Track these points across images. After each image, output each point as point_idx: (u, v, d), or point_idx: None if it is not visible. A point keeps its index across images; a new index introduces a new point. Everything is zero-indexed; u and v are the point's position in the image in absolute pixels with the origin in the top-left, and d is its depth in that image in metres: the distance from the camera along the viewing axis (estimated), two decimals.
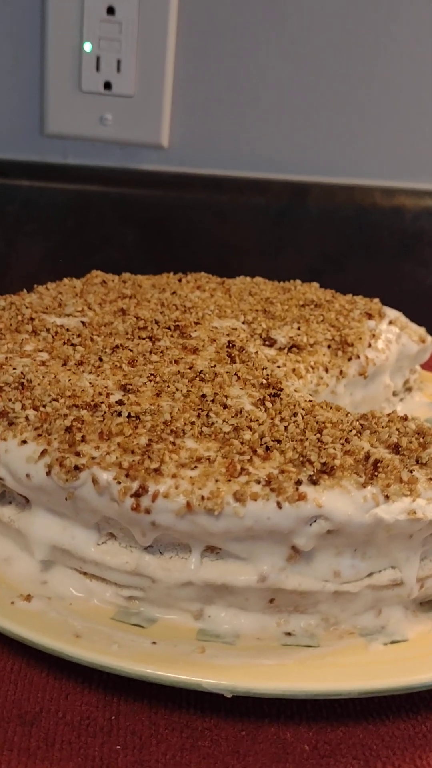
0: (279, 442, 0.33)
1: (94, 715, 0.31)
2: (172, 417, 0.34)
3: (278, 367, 0.43)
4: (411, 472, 0.32)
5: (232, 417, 0.35)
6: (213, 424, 0.34)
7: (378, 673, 0.31)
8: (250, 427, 0.34)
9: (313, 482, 0.31)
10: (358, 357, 0.47)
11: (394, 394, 0.54)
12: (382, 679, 0.31)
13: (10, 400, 0.35)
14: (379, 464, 0.32)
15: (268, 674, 0.30)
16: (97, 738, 0.30)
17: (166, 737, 0.30)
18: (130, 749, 0.29)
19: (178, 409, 0.35)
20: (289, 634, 0.33)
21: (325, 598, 0.32)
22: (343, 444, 0.33)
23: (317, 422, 0.35)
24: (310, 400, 0.39)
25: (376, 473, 0.32)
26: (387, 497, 0.31)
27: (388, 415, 0.37)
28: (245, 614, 0.33)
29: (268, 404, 0.37)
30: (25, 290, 0.49)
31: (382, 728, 0.32)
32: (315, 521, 0.30)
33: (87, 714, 0.31)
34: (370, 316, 0.51)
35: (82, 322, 0.44)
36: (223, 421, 0.34)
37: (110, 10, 0.65)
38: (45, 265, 0.69)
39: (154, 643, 0.31)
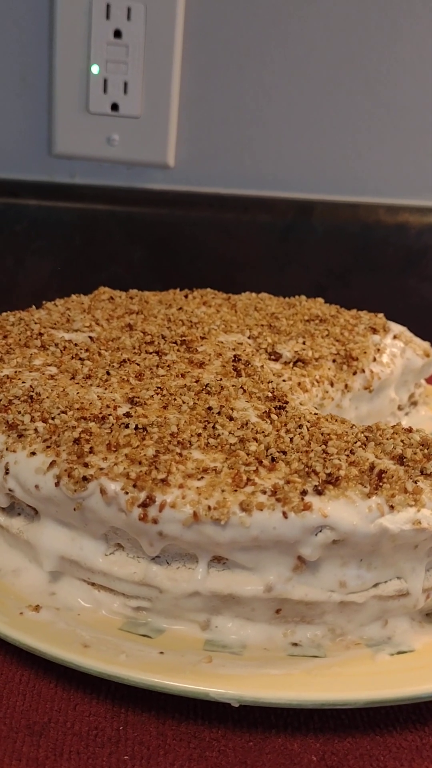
0: (284, 453, 0.34)
1: (102, 725, 0.31)
2: (178, 429, 0.34)
3: (283, 380, 0.43)
4: (416, 482, 0.33)
5: (238, 429, 0.35)
6: (219, 435, 0.34)
7: (385, 683, 0.31)
8: (255, 439, 0.34)
9: (319, 492, 0.31)
10: (363, 371, 0.47)
11: (399, 408, 0.54)
12: (389, 689, 0.31)
13: (19, 412, 0.35)
14: (383, 475, 0.33)
15: (275, 684, 0.30)
16: (105, 748, 0.30)
17: (174, 748, 0.30)
18: (138, 760, 0.30)
19: (185, 421, 0.35)
20: (295, 644, 0.33)
21: (332, 608, 0.33)
22: (348, 455, 0.34)
23: (322, 434, 0.35)
24: (316, 413, 0.39)
25: (380, 484, 0.32)
26: (392, 507, 0.32)
27: (393, 427, 0.38)
28: (252, 625, 0.33)
29: (274, 416, 0.37)
30: (33, 306, 0.50)
31: (389, 739, 0.32)
32: (320, 531, 0.31)
33: (95, 724, 0.31)
34: (374, 331, 0.51)
35: (90, 337, 0.45)
36: (229, 432, 0.35)
37: (117, 33, 0.67)
38: (53, 282, 0.70)
39: (161, 653, 0.31)
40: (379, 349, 0.50)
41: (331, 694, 0.30)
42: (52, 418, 0.35)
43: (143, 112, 0.69)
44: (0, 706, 0.31)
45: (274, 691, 0.30)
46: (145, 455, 0.32)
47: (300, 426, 0.36)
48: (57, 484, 0.32)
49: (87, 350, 0.43)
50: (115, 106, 0.68)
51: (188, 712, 0.32)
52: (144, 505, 0.30)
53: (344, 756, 0.31)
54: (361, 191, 0.74)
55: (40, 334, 0.44)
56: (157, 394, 0.38)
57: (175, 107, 0.69)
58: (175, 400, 0.37)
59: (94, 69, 0.67)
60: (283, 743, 0.31)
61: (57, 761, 0.29)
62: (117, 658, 0.30)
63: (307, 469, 0.32)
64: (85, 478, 0.31)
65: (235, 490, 0.31)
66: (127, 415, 0.35)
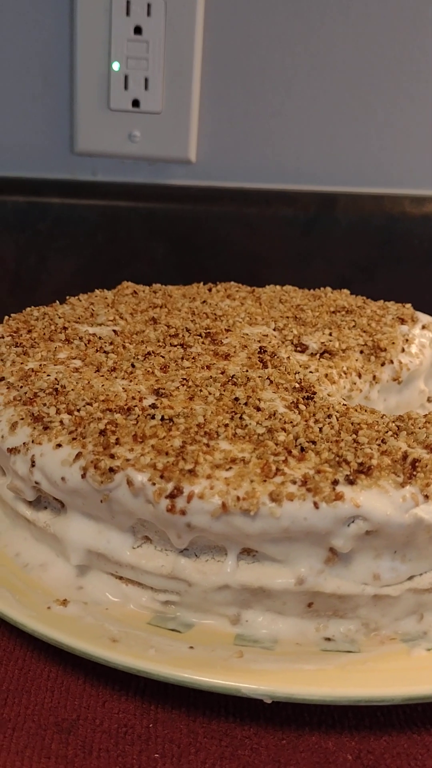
0: (314, 443, 0.33)
1: (131, 722, 0.30)
2: (205, 419, 0.34)
3: (310, 372, 0.42)
4: None
5: (266, 419, 0.34)
6: (246, 426, 0.34)
7: (422, 679, 0.30)
8: (284, 429, 0.33)
9: (350, 482, 0.30)
10: (392, 362, 0.46)
11: (429, 400, 0.53)
12: (427, 685, 0.30)
13: (44, 404, 0.35)
14: (417, 464, 0.32)
15: (309, 679, 0.29)
16: (135, 746, 0.29)
17: (205, 745, 0.30)
18: (168, 758, 0.29)
19: (212, 412, 0.34)
20: (328, 639, 0.32)
21: (365, 602, 0.32)
22: (379, 444, 0.33)
23: (352, 424, 0.35)
24: (344, 404, 0.38)
25: (414, 473, 0.31)
26: (427, 497, 0.31)
27: (425, 416, 0.37)
28: (283, 619, 0.32)
29: (302, 407, 0.36)
30: (57, 302, 0.50)
31: (427, 737, 0.31)
32: (353, 522, 0.30)
33: (124, 721, 0.30)
34: (402, 321, 0.50)
35: (114, 331, 0.45)
36: (257, 423, 0.34)
37: (137, 30, 0.66)
38: (76, 280, 0.70)
39: (191, 647, 0.31)
40: (407, 340, 0.49)
41: (367, 691, 0.29)
42: (78, 410, 0.34)
43: (164, 107, 0.68)
44: (28, 703, 0.31)
45: (307, 687, 0.29)
46: (171, 446, 0.32)
47: (329, 416, 0.35)
48: (83, 476, 0.31)
49: (111, 343, 0.42)
50: (136, 103, 0.68)
51: (219, 709, 0.31)
52: (171, 496, 0.30)
53: (381, 755, 0.30)
54: (385, 182, 0.72)
55: (65, 328, 0.44)
56: (183, 385, 0.37)
57: (196, 102, 0.69)
58: (201, 391, 0.37)
59: (115, 66, 0.67)
60: (317, 741, 0.30)
61: (86, 759, 0.29)
62: (146, 653, 0.30)
63: (338, 459, 0.32)
64: (111, 470, 0.31)
65: (265, 481, 0.30)
66: (153, 406, 0.35)
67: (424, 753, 0.30)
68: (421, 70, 0.70)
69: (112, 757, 0.29)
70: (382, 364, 0.46)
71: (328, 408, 0.36)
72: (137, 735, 0.30)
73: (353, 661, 0.31)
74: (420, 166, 0.72)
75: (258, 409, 0.35)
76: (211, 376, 0.39)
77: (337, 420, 0.35)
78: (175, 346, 0.43)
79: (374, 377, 0.45)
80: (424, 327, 0.51)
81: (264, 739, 0.30)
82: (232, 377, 0.39)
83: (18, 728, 0.30)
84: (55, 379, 0.37)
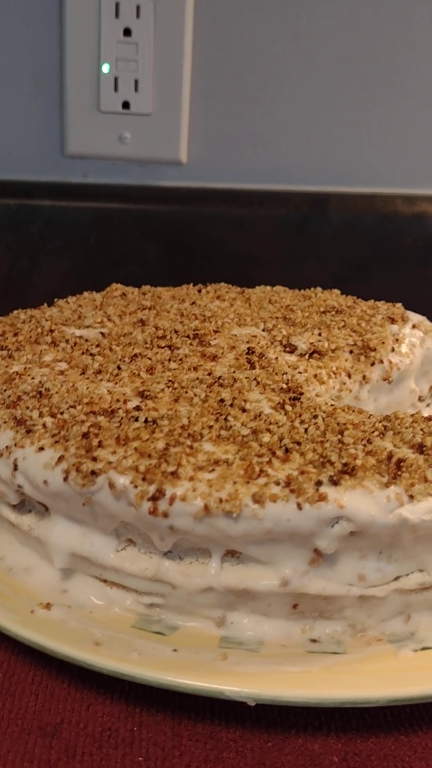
0: (299, 444, 0.33)
1: (115, 726, 0.30)
2: (189, 421, 0.33)
3: (299, 372, 0.42)
4: None
5: (251, 420, 0.34)
6: (231, 427, 0.33)
7: (408, 680, 0.30)
8: (269, 430, 0.33)
9: (334, 483, 0.30)
10: (382, 362, 0.46)
11: (420, 399, 0.52)
12: (414, 687, 0.30)
13: (27, 408, 0.35)
14: (402, 464, 0.31)
15: (294, 681, 0.29)
16: (119, 749, 0.29)
17: (190, 749, 0.29)
18: (152, 761, 0.29)
19: (196, 414, 0.34)
20: (314, 641, 0.32)
21: (351, 603, 0.31)
22: (365, 444, 0.33)
23: (338, 424, 0.34)
24: (332, 404, 0.38)
25: (399, 473, 0.31)
26: (411, 497, 0.30)
27: (412, 415, 0.36)
28: (269, 621, 0.32)
29: (288, 408, 0.36)
30: (45, 304, 0.49)
31: (414, 739, 0.30)
32: (337, 522, 0.30)
33: (109, 725, 0.30)
34: (392, 321, 0.50)
35: (102, 333, 0.44)
36: (242, 424, 0.34)
37: (127, 32, 0.66)
38: (68, 282, 0.70)
39: (175, 650, 0.30)
40: (397, 339, 0.48)
41: (353, 693, 0.29)
42: (61, 413, 0.34)
43: (154, 109, 0.68)
44: (12, 707, 0.31)
45: (292, 689, 0.29)
46: (154, 448, 0.31)
47: (315, 416, 0.35)
48: (65, 479, 0.31)
49: (98, 346, 0.42)
50: (126, 104, 0.68)
51: (204, 712, 0.31)
52: (153, 498, 0.30)
53: (367, 757, 0.30)
54: (377, 182, 0.72)
55: (51, 331, 0.44)
56: (169, 387, 0.37)
57: (187, 103, 0.69)
58: (186, 393, 0.37)
59: (105, 68, 0.67)
60: (303, 744, 0.30)
61: (70, 763, 0.28)
62: (129, 656, 0.30)
63: (322, 460, 0.31)
64: (93, 473, 0.30)
65: (248, 482, 0.30)
66: (137, 408, 0.35)
67: (411, 754, 0.30)
68: (412, 70, 0.69)
69: (95, 761, 0.29)
70: (372, 364, 0.46)
71: (315, 408, 0.36)
72: (121, 738, 0.30)
73: (339, 662, 0.31)
74: (412, 166, 0.72)
75: (243, 410, 0.35)
76: (197, 378, 0.39)
77: (323, 420, 0.35)
78: (163, 347, 0.43)
79: (364, 377, 0.45)
80: (414, 326, 0.51)
81: (249, 741, 0.30)
82: (219, 378, 0.38)
83: (1, 732, 0.29)
84: (40, 382, 0.37)
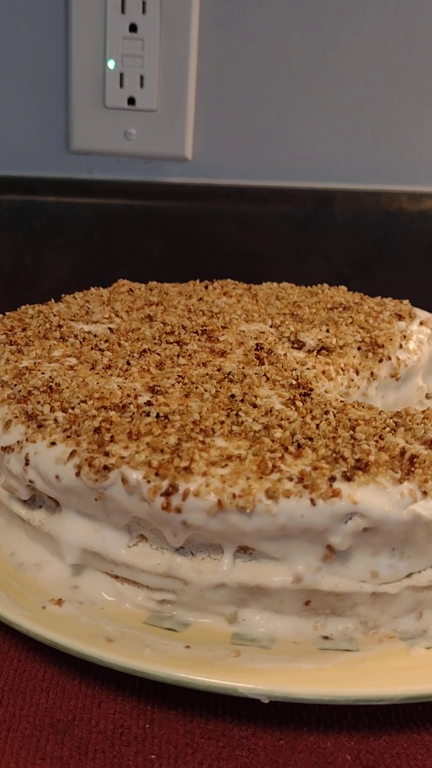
0: (311, 439, 0.32)
1: (127, 723, 0.30)
2: (201, 416, 0.33)
3: (307, 369, 0.42)
4: None
5: (262, 416, 0.34)
6: (243, 423, 0.33)
7: (421, 678, 0.30)
8: (280, 426, 0.33)
9: (348, 479, 0.30)
10: (389, 358, 0.46)
11: (428, 396, 0.52)
12: (426, 685, 0.29)
13: (38, 402, 0.34)
14: (415, 459, 0.31)
15: (306, 679, 0.29)
16: (131, 747, 0.29)
17: (202, 746, 0.29)
18: (164, 758, 0.29)
19: (207, 409, 0.34)
20: (326, 638, 0.32)
21: (363, 599, 0.31)
22: (377, 440, 0.33)
23: (350, 420, 0.34)
24: (342, 400, 0.38)
25: (412, 469, 0.31)
26: (425, 493, 0.30)
27: (423, 412, 0.36)
28: (281, 617, 0.32)
29: (299, 403, 0.36)
30: (52, 300, 0.49)
31: (426, 737, 0.30)
32: (350, 518, 0.30)
33: (120, 722, 0.30)
34: (400, 317, 0.50)
35: (110, 329, 0.44)
36: (253, 420, 0.33)
37: (132, 28, 0.66)
38: (72, 278, 0.70)
39: (187, 647, 0.30)
40: (405, 336, 0.48)
41: (365, 690, 0.29)
42: (72, 408, 0.34)
43: (160, 105, 0.68)
44: (23, 704, 0.30)
45: (305, 686, 0.29)
46: (167, 443, 0.31)
47: (326, 412, 0.35)
48: (78, 474, 0.31)
49: (107, 341, 0.42)
50: (131, 100, 0.68)
51: (216, 709, 0.31)
52: (167, 493, 0.29)
53: (380, 755, 0.29)
54: (382, 179, 0.72)
55: (59, 326, 0.43)
56: (179, 382, 0.37)
57: (192, 100, 0.69)
58: (196, 388, 0.36)
59: (110, 64, 0.67)
60: (315, 741, 0.30)
61: (82, 760, 0.28)
62: (141, 652, 0.30)
63: (334, 455, 0.31)
64: (106, 467, 0.30)
65: (261, 478, 0.30)
66: (148, 403, 0.34)
67: (423, 753, 0.30)
68: (418, 67, 0.69)
69: (107, 758, 0.28)
70: (380, 361, 0.46)
71: (325, 404, 0.36)
72: (133, 736, 0.29)
73: (352, 660, 0.31)
74: (417, 163, 0.72)
75: (254, 405, 0.35)
76: (207, 373, 0.38)
77: (334, 416, 0.35)
78: (171, 343, 0.42)
79: (372, 374, 0.45)
80: (422, 323, 0.51)
81: (262, 739, 0.30)
82: (229, 374, 0.38)
83: (13, 729, 0.29)
84: (50, 377, 0.37)
